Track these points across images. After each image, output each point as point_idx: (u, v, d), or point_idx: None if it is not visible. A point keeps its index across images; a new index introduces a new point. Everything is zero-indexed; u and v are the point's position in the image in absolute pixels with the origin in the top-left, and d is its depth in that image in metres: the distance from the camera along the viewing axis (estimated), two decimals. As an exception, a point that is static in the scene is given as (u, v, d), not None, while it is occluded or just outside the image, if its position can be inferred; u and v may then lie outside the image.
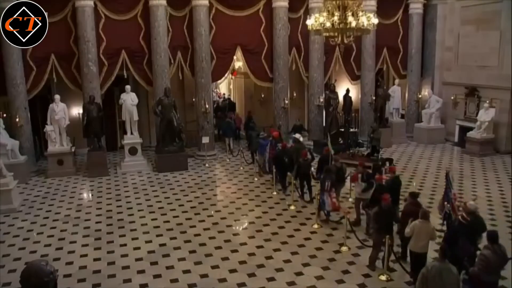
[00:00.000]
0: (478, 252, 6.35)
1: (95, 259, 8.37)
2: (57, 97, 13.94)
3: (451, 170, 9.94)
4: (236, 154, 15.75)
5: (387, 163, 14.01)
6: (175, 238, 9.29)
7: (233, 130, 17.30)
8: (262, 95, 19.24)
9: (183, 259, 8.33)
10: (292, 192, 11.19)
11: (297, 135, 14.62)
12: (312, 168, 11.65)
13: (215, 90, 23.78)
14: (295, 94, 17.98)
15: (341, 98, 16.42)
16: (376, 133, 14.61)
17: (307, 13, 15.37)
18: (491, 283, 6.03)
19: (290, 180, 11.49)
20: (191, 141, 16.59)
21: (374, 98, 17.37)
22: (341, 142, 15.64)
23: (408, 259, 7.53)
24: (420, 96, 18.54)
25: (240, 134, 18.46)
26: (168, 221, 10.21)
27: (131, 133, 14.71)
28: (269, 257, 8.32)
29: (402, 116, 18.80)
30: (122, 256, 8.48)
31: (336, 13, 9.93)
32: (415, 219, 7.07)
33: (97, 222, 10.21)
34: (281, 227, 9.73)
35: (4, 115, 14.18)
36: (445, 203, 7.91)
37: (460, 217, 7.11)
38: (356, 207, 9.87)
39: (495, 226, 9.43)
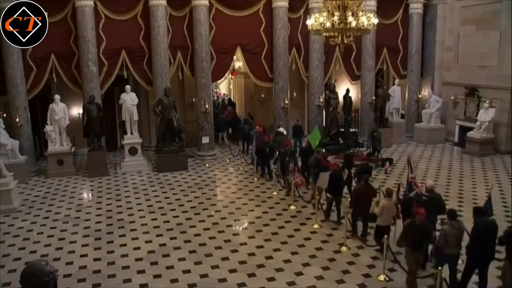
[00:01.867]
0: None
1: (95, 259, 8.37)
2: (57, 97, 13.94)
3: (411, 156, 10.60)
4: (237, 154, 15.76)
5: (387, 163, 14.10)
6: (175, 238, 9.29)
7: (225, 125, 18.21)
8: (262, 95, 19.24)
9: (183, 259, 8.34)
10: (292, 192, 11.19)
11: (281, 129, 15.14)
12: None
13: (215, 90, 23.79)
14: (295, 94, 17.98)
15: (341, 98, 16.42)
16: (377, 133, 14.63)
17: (307, 13, 15.39)
18: (452, 255, 6.77)
19: (278, 172, 12.39)
20: (191, 141, 16.59)
21: (374, 98, 17.38)
22: (341, 142, 15.65)
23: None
24: (420, 96, 18.55)
25: (232, 128, 18.93)
26: (168, 221, 10.21)
27: (131, 133, 14.72)
28: (269, 257, 8.32)
29: (402, 116, 18.81)
30: (122, 256, 8.48)
31: (336, 13, 9.95)
32: (364, 198, 8.67)
33: (97, 222, 10.21)
34: (281, 227, 9.73)
35: (4, 115, 14.19)
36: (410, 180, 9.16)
37: (420, 192, 8.28)
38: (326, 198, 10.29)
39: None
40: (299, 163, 12.29)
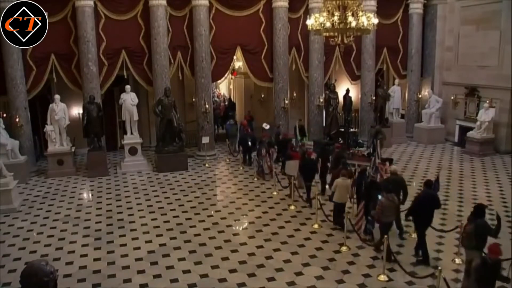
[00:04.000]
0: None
1: (95, 259, 8.37)
2: (57, 97, 13.94)
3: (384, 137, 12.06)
4: (237, 154, 15.77)
5: (387, 163, 14.05)
6: (175, 238, 9.29)
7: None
8: (262, 95, 19.23)
9: (183, 259, 8.33)
10: (292, 192, 11.19)
11: (264, 124, 16.20)
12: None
13: (215, 90, 23.80)
14: (295, 94, 17.98)
15: (341, 98, 16.42)
16: (381, 134, 14.32)
17: (307, 13, 15.39)
18: (387, 223, 8.10)
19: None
20: (191, 141, 16.59)
21: (374, 98, 17.37)
22: (341, 142, 15.64)
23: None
24: (420, 96, 18.55)
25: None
26: (168, 221, 10.21)
27: (131, 133, 14.71)
28: (269, 257, 8.32)
29: (402, 116, 18.81)
30: (122, 256, 8.48)
31: (336, 13, 9.94)
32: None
33: (97, 222, 10.21)
34: (281, 227, 9.73)
35: (4, 115, 14.20)
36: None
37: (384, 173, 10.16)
38: (298, 181, 11.50)
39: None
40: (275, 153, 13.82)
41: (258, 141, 14.47)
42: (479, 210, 7.02)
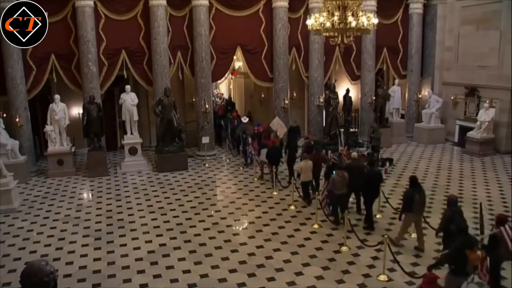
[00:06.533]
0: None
1: (95, 259, 8.37)
2: (57, 97, 13.94)
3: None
4: (237, 154, 15.77)
5: (387, 163, 14.10)
6: (175, 238, 9.29)
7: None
8: (262, 95, 19.24)
9: (183, 259, 8.33)
10: (292, 192, 11.20)
11: (243, 118, 17.22)
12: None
13: (215, 90, 23.78)
14: (295, 94, 17.98)
15: (341, 98, 16.42)
16: (376, 132, 14.65)
17: (307, 13, 15.37)
18: (339, 195, 9.51)
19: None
20: (191, 141, 16.60)
21: (374, 98, 17.38)
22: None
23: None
24: (420, 96, 18.55)
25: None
26: (168, 221, 10.21)
27: (131, 133, 14.71)
28: (269, 257, 8.32)
29: (402, 116, 18.80)
30: (122, 256, 8.48)
31: (336, 13, 9.93)
32: (315, 165, 11.05)
33: (97, 222, 10.21)
34: (281, 227, 9.74)
35: (4, 115, 14.21)
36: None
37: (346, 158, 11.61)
38: (268, 165, 12.83)
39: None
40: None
41: (242, 132, 15.46)
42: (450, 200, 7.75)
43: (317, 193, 10.14)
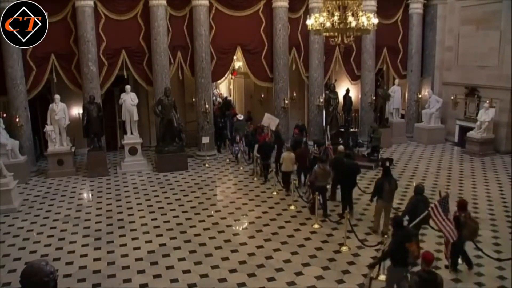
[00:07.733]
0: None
1: (95, 259, 8.37)
2: (57, 97, 13.94)
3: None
4: (237, 154, 15.78)
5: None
6: (175, 238, 9.29)
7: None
8: (262, 95, 19.23)
9: (183, 259, 8.34)
10: (292, 192, 11.20)
11: (238, 115, 17.70)
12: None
13: (215, 90, 23.77)
14: (295, 94, 17.98)
15: (341, 98, 16.41)
16: (376, 132, 14.65)
17: (307, 13, 15.36)
18: (320, 186, 9.95)
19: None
20: (191, 141, 16.60)
21: (374, 98, 17.37)
22: (341, 141, 15.62)
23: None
24: (420, 96, 18.55)
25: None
26: (168, 221, 10.21)
27: (131, 133, 14.71)
28: (269, 257, 8.32)
29: (402, 116, 18.80)
30: (122, 256, 8.48)
31: (336, 13, 9.93)
32: (302, 158, 11.96)
33: (97, 222, 10.21)
34: (281, 227, 9.74)
35: (4, 115, 14.19)
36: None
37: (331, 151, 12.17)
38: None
39: (495, 226, 9.47)
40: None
41: (234, 129, 16.14)
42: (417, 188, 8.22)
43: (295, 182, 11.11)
